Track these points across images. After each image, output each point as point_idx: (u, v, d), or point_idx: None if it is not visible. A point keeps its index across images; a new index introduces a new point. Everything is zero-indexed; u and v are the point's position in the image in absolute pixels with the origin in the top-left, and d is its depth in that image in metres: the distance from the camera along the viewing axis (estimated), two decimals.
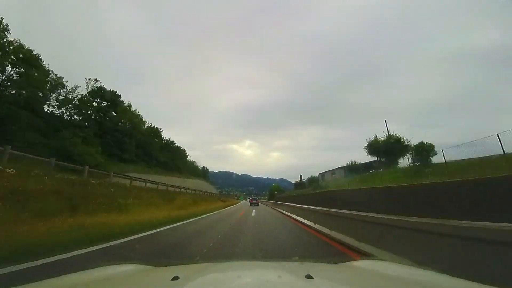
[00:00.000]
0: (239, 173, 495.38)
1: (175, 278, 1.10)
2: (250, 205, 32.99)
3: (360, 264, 1.71)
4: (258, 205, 33.17)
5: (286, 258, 4.10)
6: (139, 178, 18.59)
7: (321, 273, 1.40)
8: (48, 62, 27.54)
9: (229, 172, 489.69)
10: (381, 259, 2.19)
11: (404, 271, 1.43)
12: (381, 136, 28.32)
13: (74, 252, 4.10)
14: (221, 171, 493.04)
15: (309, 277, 1.08)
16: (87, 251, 4.27)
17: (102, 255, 4.24)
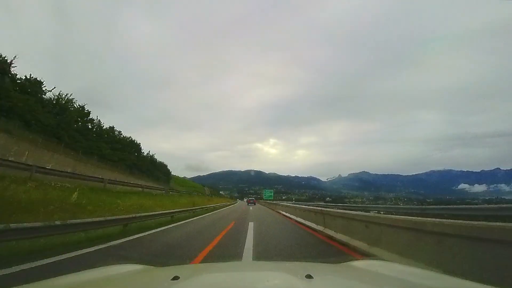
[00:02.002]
0: (267, 172, 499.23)
1: (175, 278, 1.14)
2: (248, 204, 39.37)
3: (360, 264, 1.74)
4: (255, 204, 40.84)
5: (286, 258, 4.08)
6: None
7: (321, 273, 1.43)
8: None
9: (256, 170, 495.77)
10: (381, 259, 2.17)
11: (404, 271, 1.43)
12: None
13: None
14: (247, 170, 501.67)
15: (309, 277, 1.11)
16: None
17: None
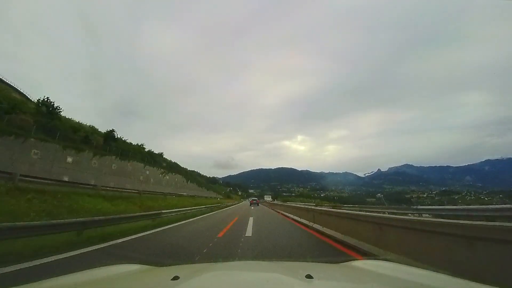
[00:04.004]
0: (299, 169, 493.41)
1: (175, 278, 1.20)
2: (250, 205, 37.56)
3: (360, 264, 1.74)
4: (258, 205, 38.17)
5: (286, 258, 4.12)
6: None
7: (321, 273, 1.46)
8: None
9: (287, 168, 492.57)
10: (381, 259, 2.17)
11: (404, 271, 1.44)
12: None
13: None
14: (279, 167, 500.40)
15: (309, 277, 1.16)
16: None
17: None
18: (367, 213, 5.56)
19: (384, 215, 6.51)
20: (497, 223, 2.01)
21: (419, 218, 3.49)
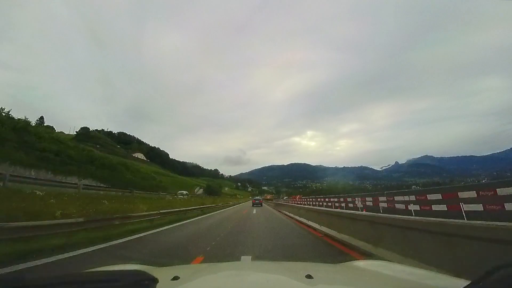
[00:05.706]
0: (313, 164, 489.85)
1: (175, 278, 1.22)
2: (253, 205, 34.25)
3: (360, 264, 1.74)
4: (261, 205, 34.34)
5: (286, 258, 4.24)
6: None
7: (321, 273, 1.46)
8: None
9: (300, 163, 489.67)
10: (381, 259, 2.15)
11: (404, 271, 1.42)
12: None
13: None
14: (291, 163, 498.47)
15: (309, 277, 1.16)
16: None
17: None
18: None
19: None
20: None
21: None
